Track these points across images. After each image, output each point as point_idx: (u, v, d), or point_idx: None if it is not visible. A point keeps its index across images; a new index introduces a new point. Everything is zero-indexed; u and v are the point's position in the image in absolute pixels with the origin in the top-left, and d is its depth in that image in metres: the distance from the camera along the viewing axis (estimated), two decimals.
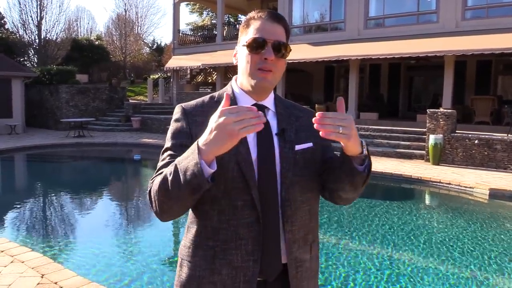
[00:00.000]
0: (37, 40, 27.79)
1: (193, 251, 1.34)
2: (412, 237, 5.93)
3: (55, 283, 3.61)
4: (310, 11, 18.43)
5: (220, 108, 1.09)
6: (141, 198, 9.13)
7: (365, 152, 1.24)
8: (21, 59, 27.88)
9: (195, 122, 1.34)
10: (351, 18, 16.37)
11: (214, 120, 1.09)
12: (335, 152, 1.48)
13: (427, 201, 8.94)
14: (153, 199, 1.23)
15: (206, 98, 1.42)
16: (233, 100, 1.37)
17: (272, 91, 1.43)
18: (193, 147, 1.13)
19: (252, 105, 1.35)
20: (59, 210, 7.72)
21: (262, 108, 1.36)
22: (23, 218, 7.05)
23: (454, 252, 5.34)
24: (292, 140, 1.37)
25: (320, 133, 1.13)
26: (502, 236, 6.07)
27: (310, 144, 1.39)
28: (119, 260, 4.95)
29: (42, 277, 3.73)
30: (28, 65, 27.82)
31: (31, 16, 27.28)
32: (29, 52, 29.09)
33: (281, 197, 1.31)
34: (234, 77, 1.44)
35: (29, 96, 20.26)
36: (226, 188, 1.25)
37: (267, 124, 1.34)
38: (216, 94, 1.42)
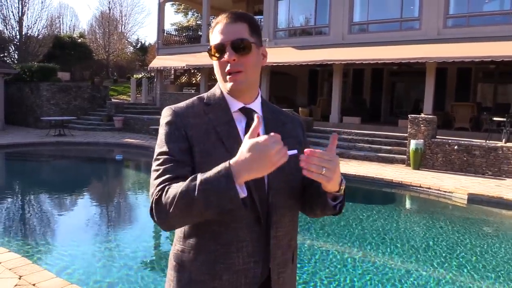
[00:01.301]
0: (18, 36, 27.29)
1: (194, 256, 1.31)
2: (392, 240, 6.01)
3: (33, 285, 3.54)
4: (295, 15, 18.55)
5: (264, 137, 1.10)
6: (122, 199, 9.03)
7: (341, 191, 1.29)
8: (1, 55, 27.33)
9: (189, 124, 1.31)
10: (336, 23, 16.53)
11: (258, 147, 1.09)
12: None
13: (408, 205, 9.07)
14: (162, 210, 1.18)
15: (195, 100, 1.40)
16: (223, 101, 1.37)
17: (260, 95, 1.42)
18: (225, 168, 1.11)
19: (240, 108, 1.36)
20: (38, 210, 7.58)
21: (250, 112, 1.36)
22: (1, 218, 6.89)
23: (432, 256, 5.43)
24: None
25: (303, 171, 1.17)
26: (479, 240, 6.20)
27: (295, 152, 1.39)
28: (99, 262, 4.89)
29: (19, 278, 3.66)
30: (8, 61, 27.25)
31: (12, 12, 26.81)
32: (10, 48, 28.56)
33: (267, 203, 1.31)
34: None
35: (9, 93, 19.83)
36: None
37: None
38: (204, 95, 1.41)
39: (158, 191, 1.20)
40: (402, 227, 6.98)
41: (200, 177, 1.13)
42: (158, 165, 1.26)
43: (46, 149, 14.36)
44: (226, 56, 1.28)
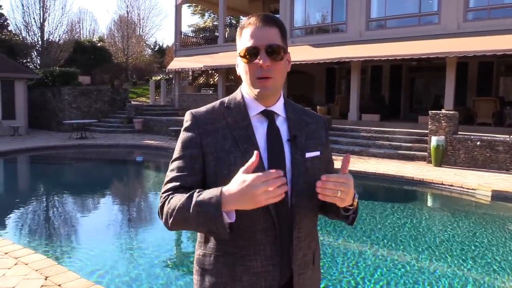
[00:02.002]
0: (40, 42, 27.92)
1: (215, 259, 1.35)
2: (415, 239, 5.94)
3: (59, 285, 3.63)
4: (311, 12, 18.45)
5: (254, 175, 1.12)
6: (143, 200, 9.15)
7: (354, 205, 1.34)
8: (24, 61, 28.00)
9: (205, 131, 1.34)
10: (353, 20, 16.38)
11: (244, 184, 1.13)
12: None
13: (430, 203, 8.93)
14: (166, 217, 1.27)
15: (216, 104, 1.42)
16: (242, 105, 1.38)
17: (282, 95, 1.43)
18: (216, 197, 1.16)
19: (261, 111, 1.37)
20: (62, 212, 7.75)
21: (271, 114, 1.37)
22: (27, 220, 7.08)
23: (457, 254, 5.34)
24: (303, 147, 1.38)
25: (318, 195, 1.22)
26: (505, 238, 6.07)
27: (318, 153, 1.42)
28: (123, 262, 4.98)
29: (45, 279, 3.75)
30: (31, 66, 27.93)
31: (34, 18, 27.44)
32: (32, 54, 29.22)
33: (291, 203, 1.33)
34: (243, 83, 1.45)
35: (32, 97, 20.33)
36: None
37: (277, 130, 1.37)
38: (226, 99, 1.43)
39: (163, 199, 1.30)
40: (424, 225, 6.88)
41: (195, 198, 1.20)
42: (170, 171, 1.36)
43: (69, 152, 14.67)
44: (259, 60, 1.28)
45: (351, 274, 4.65)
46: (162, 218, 1.30)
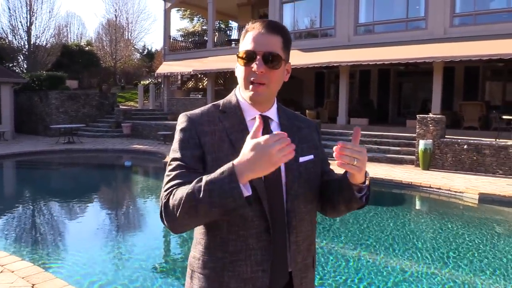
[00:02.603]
0: (26, 46, 27.62)
1: (203, 263, 1.33)
2: (403, 242, 5.98)
3: None
4: (300, 17, 18.56)
5: (265, 136, 1.11)
6: (132, 205, 9.07)
7: (367, 182, 1.31)
8: (10, 65, 27.66)
9: (202, 131, 1.33)
10: (341, 25, 16.51)
11: (259, 146, 1.10)
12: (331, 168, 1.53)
13: (418, 206, 9.01)
14: (170, 213, 1.20)
15: (210, 107, 1.41)
16: (238, 109, 1.38)
17: (276, 101, 1.44)
18: (229, 169, 1.12)
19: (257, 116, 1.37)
20: (49, 218, 7.64)
21: (266, 119, 1.37)
22: (13, 226, 6.96)
23: (443, 257, 5.38)
24: (296, 152, 1.36)
25: (336, 162, 1.20)
26: (492, 240, 6.14)
27: (311, 157, 1.42)
28: (111, 269, 4.92)
29: (32, 287, 3.69)
30: (17, 70, 27.61)
31: (20, 22, 27.16)
32: (19, 57, 28.91)
33: (286, 208, 1.33)
34: (238, 86, 1.44)
35: (19, 102, 20.07)
36: None
37: None
38: (220, 102, 1.42)
39: (167, 194, 1.23)
40: (412, 228, 6.93)
41: (205, 178, 1.15)
42: (170, 170, 1.29)
43: (56, 157, 14.51)
44: (254, 65, 1.28)
45: (334, 277, 4.65)
46: (165, 218, 1.22)
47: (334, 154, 1.19)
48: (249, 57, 1.30)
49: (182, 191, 1.18)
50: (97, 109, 20.50)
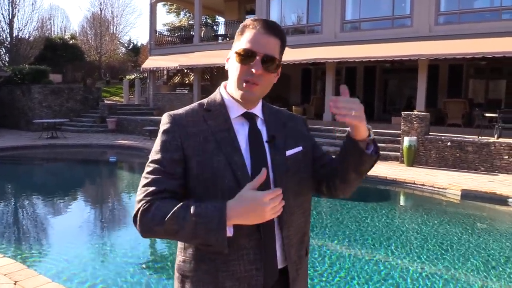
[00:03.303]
0: (8, 39, 27.05)
1: (195, 266, 1.32)
2: (387, 238, 6.05)
3: None
4: (287, 13, 18.56)
5: (264, 193, 1.15)
6: (117, 201, 9.00)
7: (372, 135, 1.32)
8: None
9: (186, 134, 1.30)
10: (328, 21, 16.56)
11: (257, 200, 1.15)
12: (328, 151, 1.54)
13: (402, 202, 9.12)
14: (146, 223, 1.21)
15: (195, 106, 1.39)
16: (223, 107, 1.36)
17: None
18: (220, 210, 1.16)
19: (242, 114, 1.36)
20: (32, 214, 7.53)
21: (252, 117, 1.37)
22: None
23: (427, 251, 5.47)
24: (283, 147, 1.38)
25: (336, 116, 1.21)
26: (473, 235, 6.25)
27: (300, 148, 1.42)
28: (94, 265, 4.87)
29: (15, 284, 3.63)
30: None
31: (2, 14, 26.56)
32: (0, 51, 28.30)
33: None
34: (223, 84, 1.43)
35: (0, 96, 19.68)
36: (224, 199, 1.22)
37: (258, 132, 1.36)
38: (205, 101, 1.40)
39: (145, 203, 1.22)
40: (396, 224, 7.02)
41: (193, 208, 1.17)
42: (148, 173, 1.28)
43: (39, 152, 14.27)
44: (253, 66, 1.28)
45: (315, 270, 4.69)
46: (139, 225, 1.23)
47: (330, 110, 1.21)
48: (247, 56, 1.29)
49: (165, 210, 1.19)
50: (81, 104, 20.21)
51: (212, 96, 1.42)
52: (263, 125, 1.39)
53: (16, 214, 7.47)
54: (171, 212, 1.17)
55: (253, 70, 1.27)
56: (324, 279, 4.55)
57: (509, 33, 12.67)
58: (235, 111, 1.36)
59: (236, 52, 1.31)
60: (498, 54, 12.23)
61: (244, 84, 1.30)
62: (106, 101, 23.29)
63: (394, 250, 5.52)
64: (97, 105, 20.22)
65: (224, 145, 1.29)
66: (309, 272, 4.59)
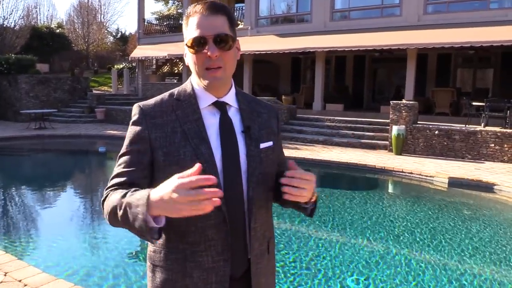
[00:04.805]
0: None
1: (165, 256, 1.32)
2: (375, 225, 6.14)
3: (20, 281, 3.52)
4: (277, 2, 18.45)
5: (178, 180, 1.03)
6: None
7: (313, 199, 1.33)
8: None
9: (154, 125, 1.29)
10: (317, 10, 16.52)
11: (170, 188, 1.03)
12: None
13: (391, 190, 9.23)
14: (104, 213, 1.24)
15: (165, 95, 1.37)
16: (193, 97, 1.34)
17: (233, 85, 1.40)
18: (144, 197, 1.08)
19: (213, 102, 1.33)
20: (21, 205, 7.48)
21: (223, 106, 1.35)
22: None
23: (415, 238, 5.57)
24: (257, 138, 1.36)
25: (283, 195, 1.21)
26: (460, 222, 6.37)
27: (271, 143, 1.40)
28: (86, 255, 4.88)
29: (5, 275, 3.63)
30: None
31: None
32: None
33: (248, 196, 1.31)
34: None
35: None
36: None
37: (230, 122, 1.34)
38: (175, 91, 1.38)
39: (105, 194, 1.26)
40: (385, 211, 7.11)
41: (127, 197, 1.15)
42: (116, 166, 1.31)
43: (27, 143, 14.12)
44: (207, 50, 1.24)
45: (306, 257, 4.76)
46: (104, 216, 1.25)
47: (282, 188, 1.21)
48: (199, 44, 1.25)
49: (113, 199, 1.20)
50: (69, 94, 19.99)
51: (183, 86, 1.39)
52: (237, 114, 1.37)
53: (5, 206, 7.42)
54: (114, 202, 1.18)
55: (209, 54, 1.24)
56: (312, 264, 4.61)
57: (497, 22, 12.78)
58: (205, 100, 1.33)
59: (187, 45, 1.29)
60: (486, 44, 12.34)
61: (206, 72, 1.28)
62: (94, 91, 23.06)
63: (381, 238, 5.60)
64: (85, 95, 20.01)
65: (192, 137, 1.27)
66: (295, 259, 4.66)
